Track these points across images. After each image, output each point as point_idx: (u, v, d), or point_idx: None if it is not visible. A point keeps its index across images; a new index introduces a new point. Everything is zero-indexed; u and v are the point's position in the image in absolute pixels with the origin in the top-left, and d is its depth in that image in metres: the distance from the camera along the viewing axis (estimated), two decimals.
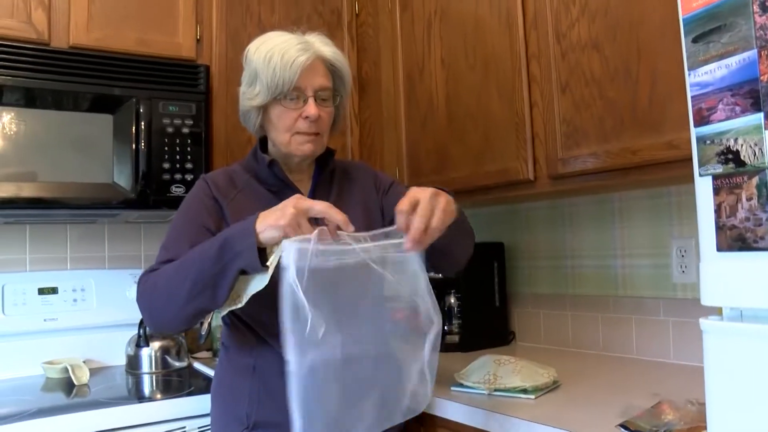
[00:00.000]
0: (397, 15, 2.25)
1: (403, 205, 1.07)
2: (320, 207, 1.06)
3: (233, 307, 1.15)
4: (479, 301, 2.18)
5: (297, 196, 1.10)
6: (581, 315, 2.06)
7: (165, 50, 1.93)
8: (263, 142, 1.44)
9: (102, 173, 1.79)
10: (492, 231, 2.39)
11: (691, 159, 1.39)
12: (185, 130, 1.89)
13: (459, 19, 2.00)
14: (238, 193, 1.35)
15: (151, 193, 1.83)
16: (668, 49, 1.44)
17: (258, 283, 1.10)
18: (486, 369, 1.60)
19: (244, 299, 1.13)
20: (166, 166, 1.86)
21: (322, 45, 1.35)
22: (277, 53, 1.29)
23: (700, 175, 0.86)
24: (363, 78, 2.29)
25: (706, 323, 0.84)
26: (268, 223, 1.07)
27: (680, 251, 1.79)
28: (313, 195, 1.40)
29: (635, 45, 1.51)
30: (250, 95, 1.34)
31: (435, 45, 2.09)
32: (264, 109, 1.34)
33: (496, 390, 1.53)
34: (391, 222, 1.34)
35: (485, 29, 1.90)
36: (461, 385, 1.60)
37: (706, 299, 0.85)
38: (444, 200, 1.12)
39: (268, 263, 1.08)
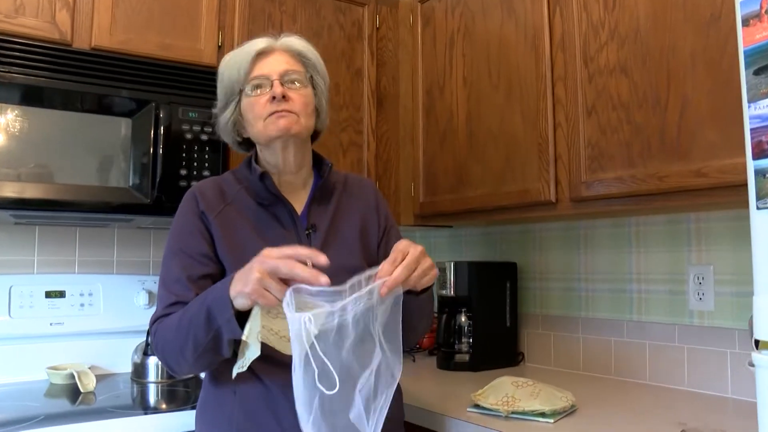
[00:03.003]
0: (419, 30, 2.26)
1: (393, 256, 1.10)
2: (286, 268, 1.01)
3: (240, 371, 1.12)
4: (490, 320, 2.17)
5: (263, 253, 1.04)
6: (593, 338, 2.05)
7: (186, 56, 1.91)
8: (256, 153, 1.39)
9: (118, 177, 1.76)
10: (504, 251, 2.38)
11: (719, 187, 1.41)
12: (203, 137, 1.87)
13: (483, 38, 2.00)
14: (226, 206, 1.30)
15: (166, 200, 1.81)
16: (699, 78, 1.44)
17: (253, 351, 1.08)
18: (504, 391, 1.58)
19: (246, 364, 1.11)
20: (183, 172, 1.84)
21: (287, 38, 1.34)
22: (234, 54, 1.32)
23: (758, 209, 0.85)
24: (381, 92, 2.28)
25: (759, 358, 0.84)
26: (237, 289, 1.06)
27: (697, 278, 1.78)
28: (309, 209, 1.34)
29: (665, 72, 1.51)
30: (218, 103, 1.36)
31: (457, 62, 2.09)
32: (236, 110, 1.33)
33: (513, 412, 1.51)
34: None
35: (510, 49, 1.91)
36: (478, 407, 1.58)
37: (760, 333, 0.84)
38: (429, 263, 1.15)
39: (244, 336, 1.06)
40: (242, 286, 1.04)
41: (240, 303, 1.06)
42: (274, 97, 1.27)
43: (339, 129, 2.17)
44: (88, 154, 1.72)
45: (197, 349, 1.13)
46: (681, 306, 1.82)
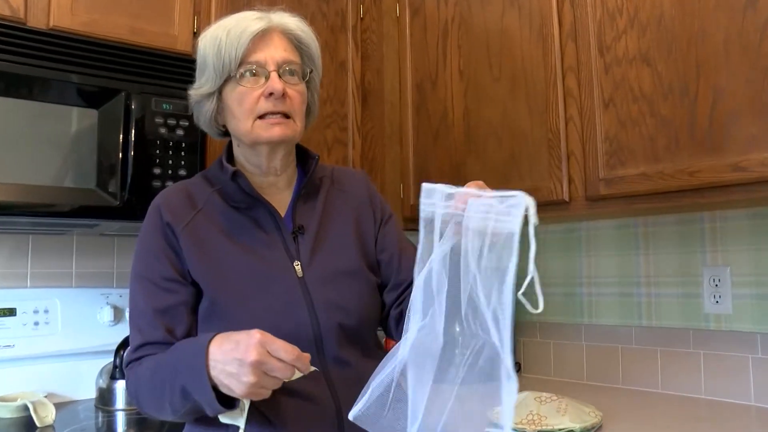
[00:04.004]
0: (407, 21, 2.12)
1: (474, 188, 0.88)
2: (278, 364, 0.90)
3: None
4: None
5: (257, 340, 0.90)
6: (598, 346, 1.95)
7: (158, 42, 1.70)
8: (231, 147, 1.21)
9: (81, 176, 1.54)
10: None
11: (760, 182, 1.32)
12: (179, 132, 1.67)
13: (481, 29, 1.88)
14: (196, 214, 1.13)
15: (137, 202, 1.59)
16: (733, 66, 1.36)
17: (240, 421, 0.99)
18: (527, 408, 1.45)
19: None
20: (157, 171, 1.63)
21: (284, 17, 1.16)
22: (223, 29, 1.12)
23: None
24: (366, 87, 2.12)
25: None
26: (221, 381, 0.92)
27: (713, 280, 1.71)
28: (294, 209, 1.18)
29: (693, 61, 1.43)
30: (199, 85, 1.16)
31: (452, 55, 1.96)
32: (219, 98, 1.14)
33: None
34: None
35: (513, 40, 1.79)
36: (497, 426, 1.44)
37: None
38: None
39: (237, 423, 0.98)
40: (233, 384, 0.91)
41: (227, 392, 0.93)
42: (271, 93, 1.09)
43: (323, 125, 2.00)
44: (46, 149, 1.50)
45: (177, 412, 1.02)
46: (696, 310, 1.74)
